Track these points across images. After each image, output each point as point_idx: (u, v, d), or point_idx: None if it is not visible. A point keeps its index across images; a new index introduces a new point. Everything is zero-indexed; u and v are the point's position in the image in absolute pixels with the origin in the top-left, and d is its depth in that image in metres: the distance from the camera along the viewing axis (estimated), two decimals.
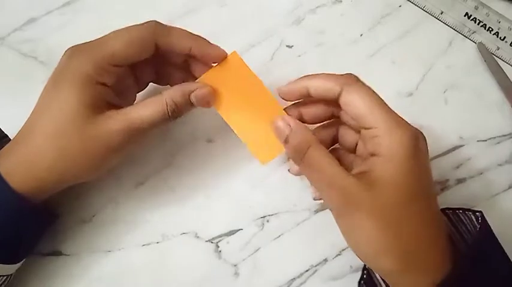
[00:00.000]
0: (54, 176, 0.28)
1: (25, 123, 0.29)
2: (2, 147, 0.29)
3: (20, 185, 0.27)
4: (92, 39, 0.29)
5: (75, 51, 0.29)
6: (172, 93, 0.28)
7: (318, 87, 0.28)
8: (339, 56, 0.38)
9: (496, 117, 0.38)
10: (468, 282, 0.26)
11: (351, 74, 0.28)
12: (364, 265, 0.31)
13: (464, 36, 0.40)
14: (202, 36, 0.30)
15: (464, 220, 0.30)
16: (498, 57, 0.39)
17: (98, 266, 0.33)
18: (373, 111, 0.26)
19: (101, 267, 0.33)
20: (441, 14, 0.40)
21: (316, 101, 0.30)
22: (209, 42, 0.30)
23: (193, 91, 0.29)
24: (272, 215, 0.35)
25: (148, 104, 0.28)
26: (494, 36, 0.40)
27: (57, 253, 0.33)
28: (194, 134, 0.36)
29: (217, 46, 0.30)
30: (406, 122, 0.27)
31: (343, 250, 0.34)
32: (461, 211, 0.31)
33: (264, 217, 0.35)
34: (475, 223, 0.30)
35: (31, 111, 0.28)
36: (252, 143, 0.31)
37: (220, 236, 0.35)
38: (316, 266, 0.34)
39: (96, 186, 0.34)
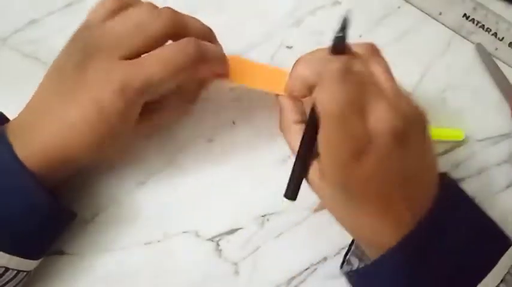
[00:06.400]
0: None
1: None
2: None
3: (37, 164, 0.27)
4: None
5: None
6: None
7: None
8: None
9: (495, 118, 0.38)
10: (433, 240, 0.26)
11: None
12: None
13: (463, 37, 0.40)
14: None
15: None
16: (496, 57, 0.40)
17: (100, 265, 0.34)
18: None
19: (103, 266, 0.34)
20: (439, 15, 0.40)
21: None
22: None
23: None
24: (272, 214, 0.35)
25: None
26: (493, 37, 0.40)
27: (60, 253, 0.33)
28: (195, 133, 0.36)
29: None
30: None
31: (342, 248, 0.35)
32: None
33: (264, 215, 0.35)
34: None
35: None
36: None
37: (220, 234, 0.35)
38: (316, 264, 0.35)
39: (97, 186, 0.35)
